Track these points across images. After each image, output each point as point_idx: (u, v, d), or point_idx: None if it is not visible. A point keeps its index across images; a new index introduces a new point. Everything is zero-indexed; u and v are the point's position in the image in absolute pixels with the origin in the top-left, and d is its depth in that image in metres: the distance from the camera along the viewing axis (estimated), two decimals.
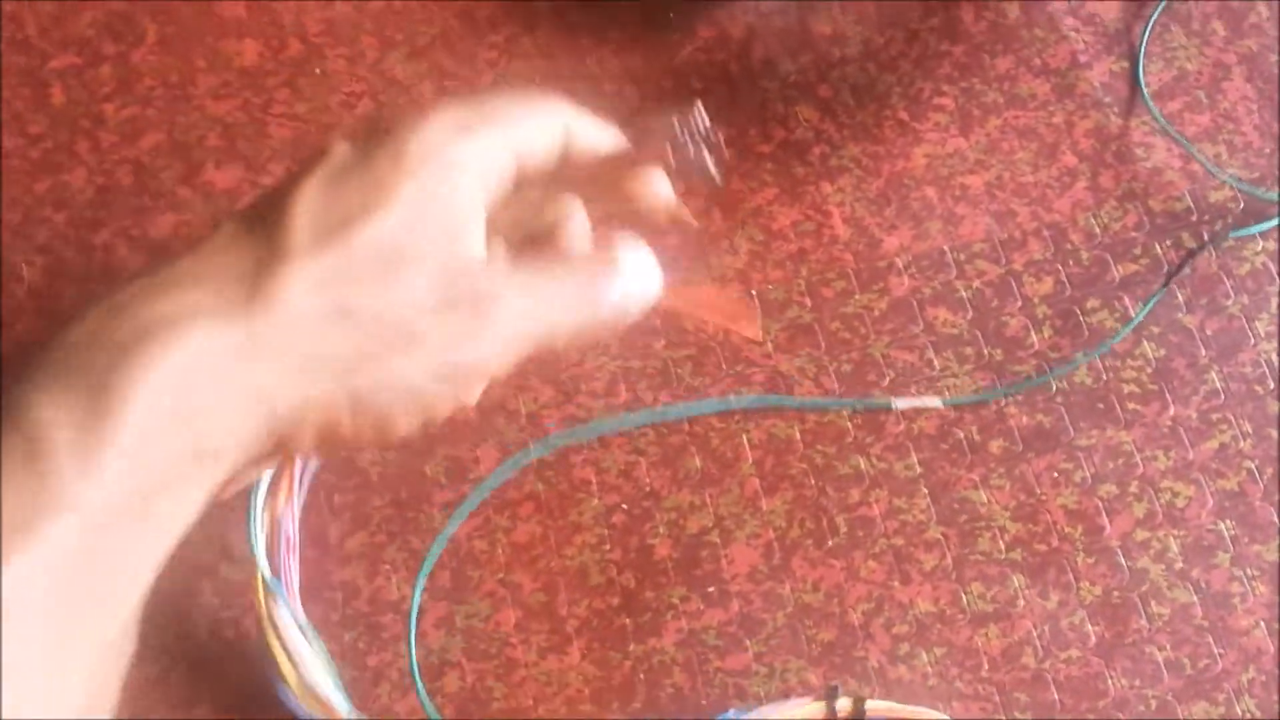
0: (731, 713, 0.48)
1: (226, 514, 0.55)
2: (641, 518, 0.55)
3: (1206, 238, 0.59)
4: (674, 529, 0.55)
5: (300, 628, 0.48)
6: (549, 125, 0.39)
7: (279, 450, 0.35)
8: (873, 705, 0.51)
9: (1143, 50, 0.63)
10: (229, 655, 0.53)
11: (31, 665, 0.30)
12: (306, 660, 0.48)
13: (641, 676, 0.53)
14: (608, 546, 0.55)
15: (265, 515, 0.49)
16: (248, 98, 0.63)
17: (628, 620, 0.54)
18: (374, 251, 0.34)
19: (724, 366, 0.58)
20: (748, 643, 0.54)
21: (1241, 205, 0.60)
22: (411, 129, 0.36)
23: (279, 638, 0.47)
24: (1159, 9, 0.64)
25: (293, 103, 0.63)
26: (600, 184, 0.41)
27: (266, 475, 0.49)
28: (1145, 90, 0.63)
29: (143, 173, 0.62)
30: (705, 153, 0.36)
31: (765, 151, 0.62)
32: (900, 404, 0.56)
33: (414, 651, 0.53)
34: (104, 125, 0.63)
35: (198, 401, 0.31)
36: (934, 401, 0.56)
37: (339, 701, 0.48)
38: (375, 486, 0.56)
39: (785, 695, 0.52)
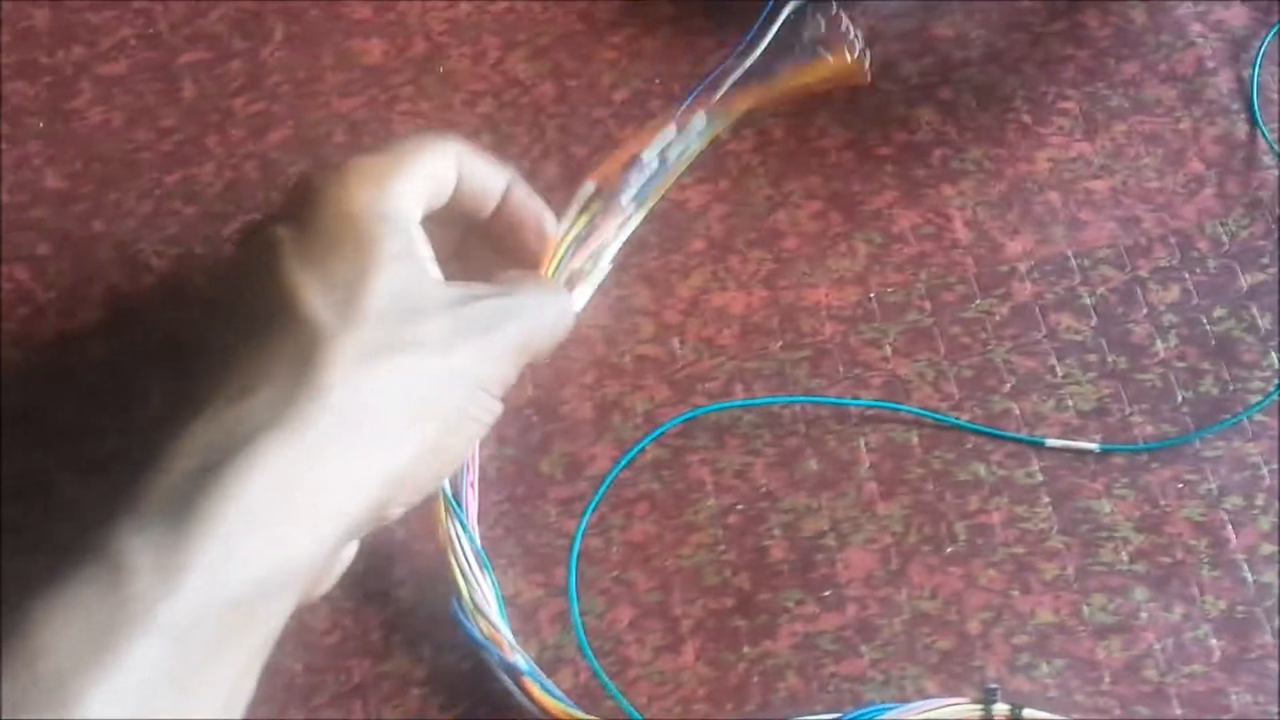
0: (879, 706, 0.47)
1: None
2: (757, 519, 0.55)
3: None
4: (789, 531, 0.55)
5: (476, 552, 0.50)
6: (444, 163, 0.43)
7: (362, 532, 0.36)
8: (1030, 714, 0.50)
9: (1259, 59, 0.62)
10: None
11: None
12: (479, 583, 0.50)
13: (756, 679, 0.53)
14: (722, 547, 0.55)
15: None
16: (373, 95, 0.64)
17: (742, 622, 0.54)
18: (387, 309, 0.36)
19: (840, 370, 0.58)
20: (863, 648, 0.53)
21: None
22: (333, 190, 0.40)
23: (457, 556, 0.50)
24: None
25: (417, 100, 0.64)
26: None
27: None
28: (1257, 98, 0.61)
29: (269, 167, 0.63)
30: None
31: (885, 154, 0.61)
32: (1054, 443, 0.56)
33: (577, 608, 0.53)
34: (233, 120, 0.64)
35: (278, 515, 0.32)
36: (1090, 445, 0.56)
37: (504, 630, 0.50)
38: (493, 482, 0.56)
39: (902, 703, 0.52)
